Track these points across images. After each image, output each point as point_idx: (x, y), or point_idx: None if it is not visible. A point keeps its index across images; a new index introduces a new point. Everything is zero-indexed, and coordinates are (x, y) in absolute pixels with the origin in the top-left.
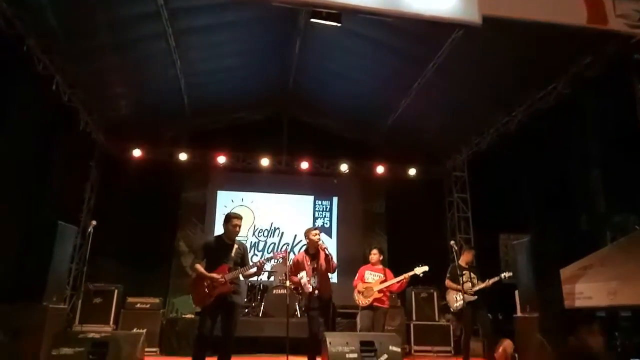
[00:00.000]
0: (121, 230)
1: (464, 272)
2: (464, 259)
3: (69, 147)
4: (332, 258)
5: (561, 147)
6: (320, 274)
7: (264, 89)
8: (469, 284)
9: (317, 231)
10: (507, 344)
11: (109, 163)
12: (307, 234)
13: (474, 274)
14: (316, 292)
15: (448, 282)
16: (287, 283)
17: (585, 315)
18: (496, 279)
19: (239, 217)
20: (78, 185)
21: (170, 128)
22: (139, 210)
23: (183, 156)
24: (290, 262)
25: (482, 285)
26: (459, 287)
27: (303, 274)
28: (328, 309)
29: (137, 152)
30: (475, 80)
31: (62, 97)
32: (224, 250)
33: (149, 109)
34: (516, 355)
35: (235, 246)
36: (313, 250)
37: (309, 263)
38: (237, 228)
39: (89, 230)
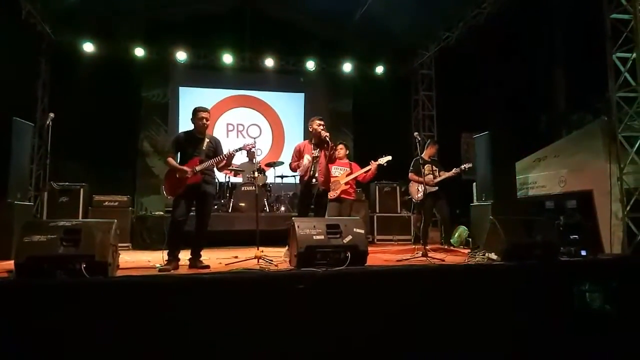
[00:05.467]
0: (80, 130)
1: (426, 165)
2: (428, 153)
3: (12, 40)
4: (334, 148)
5: (529, 44)
6: (321, 165)
7: None
8: (431, 176)
9: (321, 121)
10: (461, 230)
11: (59, 59)
12: (311, 123)
13: (436, 166)
14: (314, 180)
15: (411, 175)
16: (256, 174)
17: (535, 205)
18: (457, 169)
19: (205, 110)
20: (29, 84)
21: (124, 20)
22: (97, 109)
23: (140, 52)
24: (293, 151)
25: (444, 176)
26: (421, 179)
27: (307, 156)
28: (324, 201)
29: (88, 47)
30: None
31: None
32: (194, 144)
33: None
34: (470, 239)
35: (207, 140)
36: (316, 140)
37: (311, 151)
38: (204, 121)
39: (47, 122)
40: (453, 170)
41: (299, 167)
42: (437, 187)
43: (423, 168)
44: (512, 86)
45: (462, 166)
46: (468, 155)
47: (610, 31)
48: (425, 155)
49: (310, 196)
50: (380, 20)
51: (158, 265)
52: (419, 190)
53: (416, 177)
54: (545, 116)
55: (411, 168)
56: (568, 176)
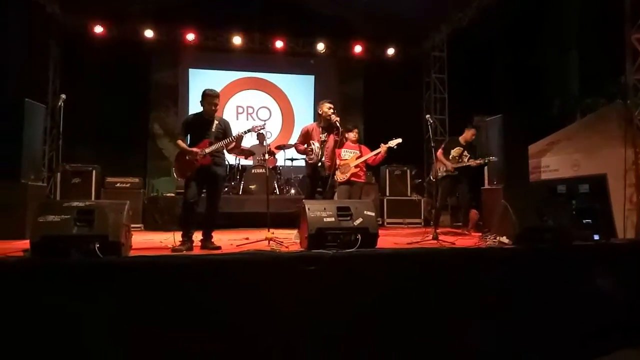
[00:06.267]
0: (91, 112)
1: (456, 148)
2: (464, 137)
3: (22, 21)
4: (344, 132)
5: (542, 25)
6: (328, 149)
7: None
8: (456, 159)
9: (331, 105)
10: (472, 213)
11: (69, 41)
12: (321, 105)
13: (468, 152)
14: (319, 163)
15: (439, 153)
16: (267, 157)
17: (548, 189)
18: (481, 160)
19: (216, 95)
20: (40, 66)
21: (133, 2)
22: (107, 91)
23: (149, 33)
24: (300, 132)
25: (467, 164)
26: (444, 159)
27: (315, 144)
28: (331, 183)
29: (98, 29)
30: None
31: None
32: (204, 126)
33: None
34: (481, 222)
35: (216, 122)
36: (325, 123)
37: (319, 134)
38: (214, 106)
39: (59, 104)
40: (477, 160)
41: (305, 152)
42: (456, 172)
43: (452, 150)
44: (525, 68)
45: (488, 158)
46: (480, 139)
47: (630, 11)
48: (461, 138)
49: (316, 179)
50: (392, 1)
51: (173, 245)
52: (439, 169)
53: (441, 157)
54: (559, 99)
55: (442, 146)
56: (581, 160)
